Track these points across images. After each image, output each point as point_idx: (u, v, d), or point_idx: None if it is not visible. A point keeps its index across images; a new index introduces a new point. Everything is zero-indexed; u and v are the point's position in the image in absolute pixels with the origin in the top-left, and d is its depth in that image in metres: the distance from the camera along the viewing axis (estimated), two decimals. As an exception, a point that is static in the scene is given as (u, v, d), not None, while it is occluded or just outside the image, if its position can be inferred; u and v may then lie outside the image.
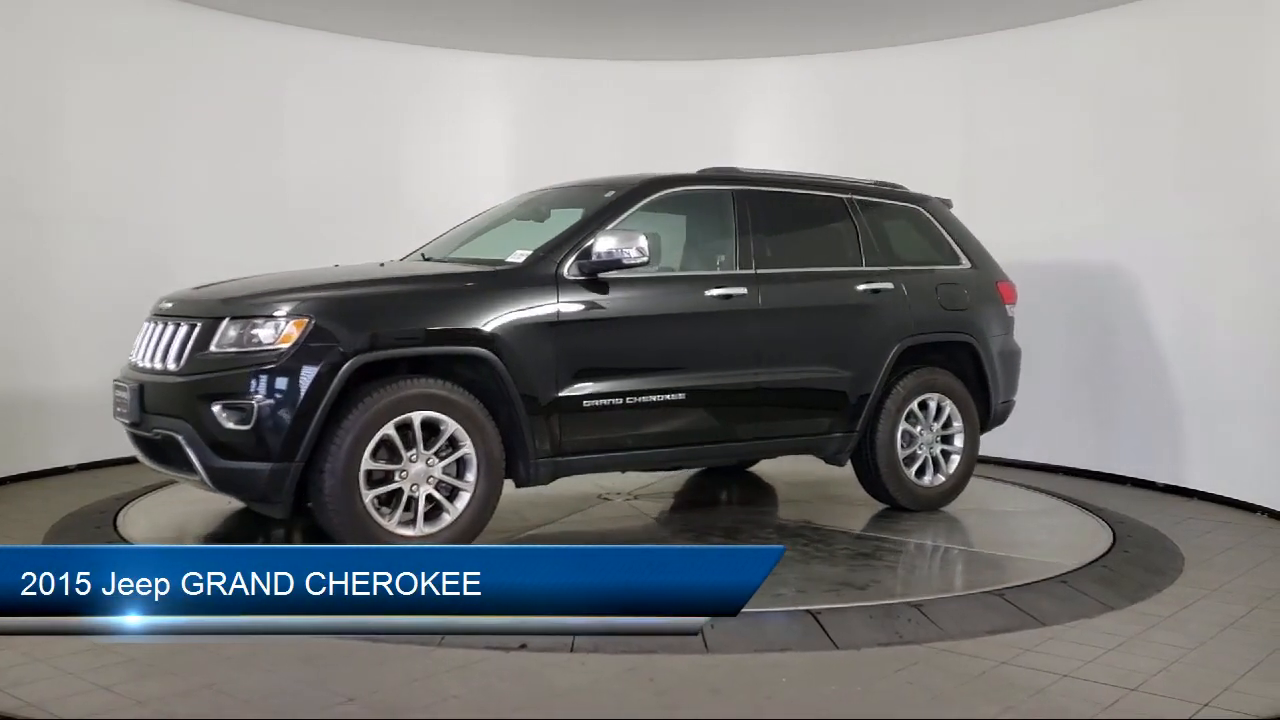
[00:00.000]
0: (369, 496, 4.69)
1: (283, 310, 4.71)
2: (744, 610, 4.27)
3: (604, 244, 5.19)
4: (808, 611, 4.35)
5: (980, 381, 6.47)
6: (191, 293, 5.28)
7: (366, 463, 4.68)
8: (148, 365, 5.02)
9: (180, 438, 4.71)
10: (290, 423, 4.57)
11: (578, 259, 5.22)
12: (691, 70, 9.39)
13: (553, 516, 6.08)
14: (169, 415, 4.81)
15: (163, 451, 4.92)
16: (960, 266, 6.54)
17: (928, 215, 6.58)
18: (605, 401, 5.24)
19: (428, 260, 5.84)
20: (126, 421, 5.10)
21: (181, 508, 6.04)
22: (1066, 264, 7.65)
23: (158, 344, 4.99)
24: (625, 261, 5.17)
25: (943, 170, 7.96)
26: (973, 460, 6.43)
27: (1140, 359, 7.45)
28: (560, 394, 5.13)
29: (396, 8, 8.18)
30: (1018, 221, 7.72)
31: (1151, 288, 7.40)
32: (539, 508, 6.22)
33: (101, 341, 6.06)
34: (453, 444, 4.90)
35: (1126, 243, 7.51)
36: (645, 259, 5.18)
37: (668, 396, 5.41)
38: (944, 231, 6.58)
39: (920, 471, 6.24)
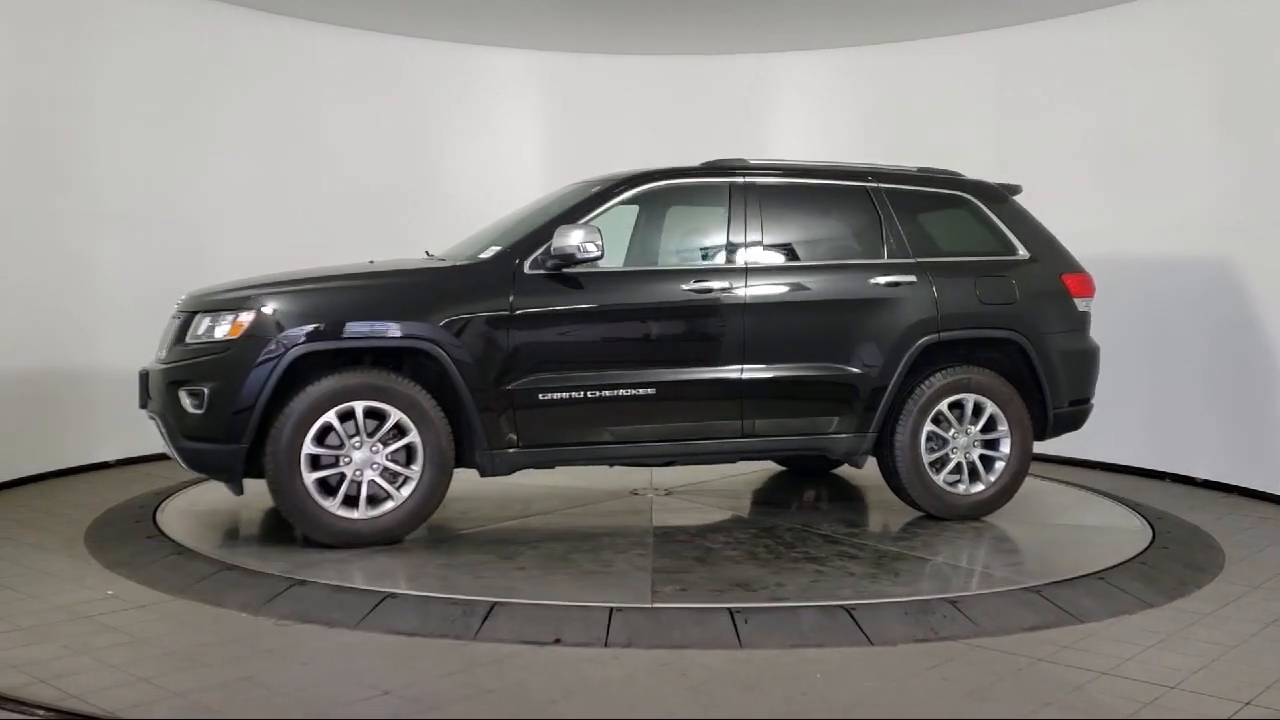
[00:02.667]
0: (311, 478, 5.02)
1: (235, 305, 5.14)
2: (778, 604, 4.31)
3: (559, 240, 5.25)
4: (842, 607, 4.33)
5: (1036, 382, 6.02)
6: (196, 290, 5.59)
7: (309, 447, 5.02)
8: (158, 355, 5.45)
9: (159, 420, 5.26)
10: (235, 407, 5.00)
11: (539, 255, 5.33)
12: (725, 64, 9.39)
13: (551, 509, 6.14)
14: (157, 400, 5.30)
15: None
16: (1013, 257, 6.10)
17: (977, 203, 6.18)
18: (563, 395, 5.30)
19: (429, 258, 5.87)
20: (140, 405, 5.51)
21: (220, 502, 6.10)
22: (1100, 258, 7.55)
23: (165, 337, 5.45)
24: (579, 256, 5.24)
25: (976, 163, 7.87)
26: (1022, 467, 5.96)
27: (1176, 353, 7.37)
28: (514, 387, 5.24)
29: (431, 5, 8.23)
30: (1050, 216, 7.64)
31: (1183, 280, 7.31)
32: (547, 499, 6.33)
33: (141, 339, 6.15)
34: (401, 433, 5.13)
35: (1157, 237, 7.44)
36: (598, 254, 5.24)
37: (633, 391, 5.39)
38: (997, 220, 6.17)
39: (955, 477, 5.89)
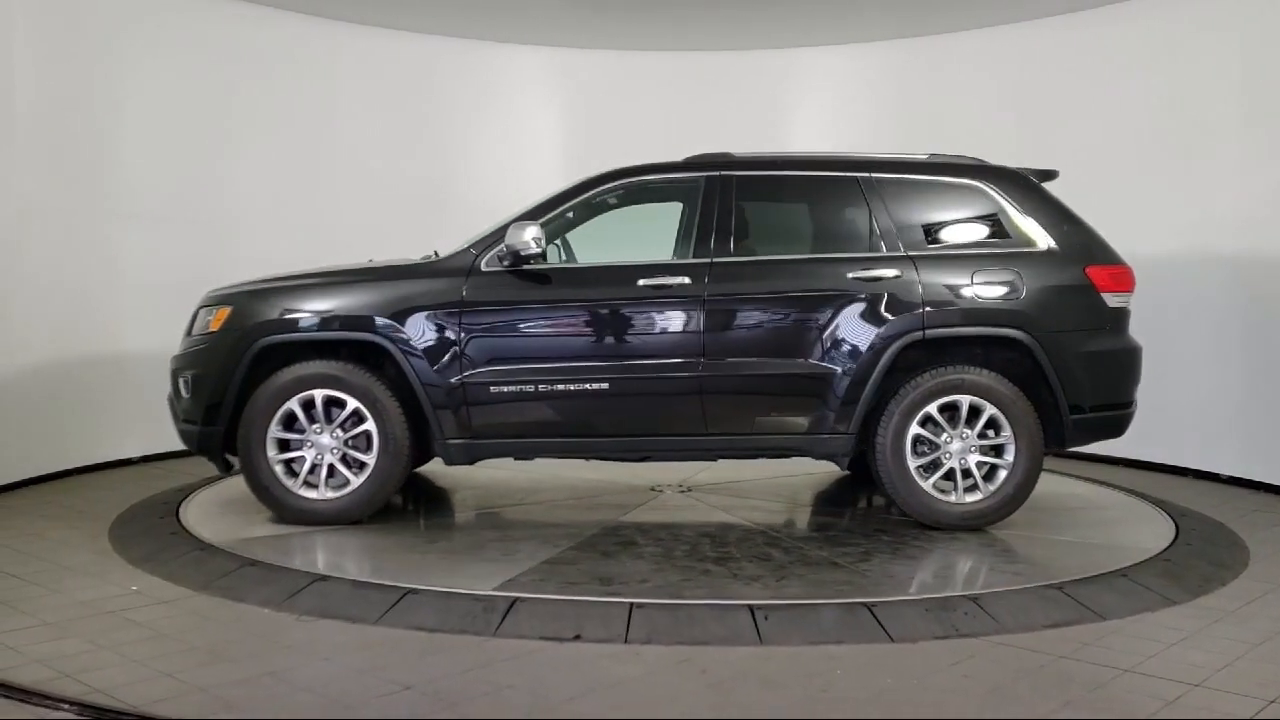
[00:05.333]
0: (276, 460, 5.45)
1: (220, 301, 5.63)
2: (798, 601, 4.30)
3: (509, 237, 5.39)
4: (862, 604, 4.32)
5: (1048, 384, 5.53)
6: (213, 288, 5.91)
7: (275, 431, 5.44)
8: None
9: (169, 404, 5.81)
10: (210, 393, 5.51)
11: (497, 251, 5.49)
12: (741, 60, 9.38)
13: (546, 500, 6.25)
14: (170, 387, 5.81)
15: None
16: (1024, 249, 5.59)
17: (991, 192, 5.71)
18: (514, 388, 5.41)
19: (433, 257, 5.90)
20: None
21: (243, 499, 6.12)
22: (1121, 253, 7.51)
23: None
24: (524, 252, 5.38)
25: (998, 157, 7.82)
26: (1028, 477, 5.48)
27: (1199, 349, 7.32)
28: (464, 380, 5.40)
29: (452, 3, 8.25)
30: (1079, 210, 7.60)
31: (1206, 275, 7.26)
32: (555, 490, 6.41)
33: (169, 337, 6.22)
34: (360, 421, 5.47)
35: (1181, 232, 7.38)
36: (538, 251, 5.37)
37: (585, 385, 5.41)
38: (1013, 210, 5.67)
39: (950, 485, 5.51)
